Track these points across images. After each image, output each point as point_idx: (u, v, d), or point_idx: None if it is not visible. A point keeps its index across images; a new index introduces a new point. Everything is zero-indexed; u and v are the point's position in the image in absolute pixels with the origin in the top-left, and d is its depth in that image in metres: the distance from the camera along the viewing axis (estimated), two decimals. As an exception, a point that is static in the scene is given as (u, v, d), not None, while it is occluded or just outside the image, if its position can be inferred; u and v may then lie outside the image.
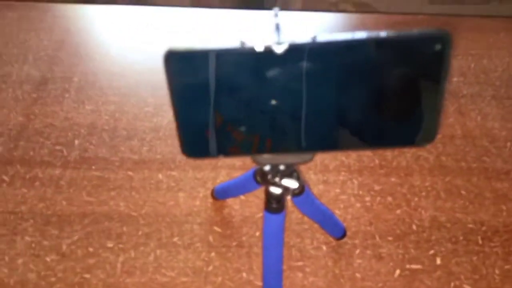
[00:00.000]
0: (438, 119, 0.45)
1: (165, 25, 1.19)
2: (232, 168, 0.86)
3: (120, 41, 1.15)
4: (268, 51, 0.39)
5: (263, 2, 1.52)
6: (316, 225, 0.77)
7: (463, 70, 1.08)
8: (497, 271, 0.73)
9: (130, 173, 0.86)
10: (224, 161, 0.86)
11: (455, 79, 1.05)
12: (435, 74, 0.42)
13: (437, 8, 1.50)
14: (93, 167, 0.87)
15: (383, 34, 0.40)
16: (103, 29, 1.20)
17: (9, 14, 1.22)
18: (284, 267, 0.72)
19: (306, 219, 0.78)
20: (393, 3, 1.50)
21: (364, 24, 1.20)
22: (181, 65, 0.41)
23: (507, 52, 1.12)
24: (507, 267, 0.73)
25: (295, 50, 0.40)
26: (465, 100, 1.01)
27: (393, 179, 0.85)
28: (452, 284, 0.72)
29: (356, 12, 1.42)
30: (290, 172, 0.56)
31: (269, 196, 0.57)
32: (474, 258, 0.75)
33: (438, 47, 0.40)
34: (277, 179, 0.55)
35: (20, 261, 0.73)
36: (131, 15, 1.24)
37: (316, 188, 0.84)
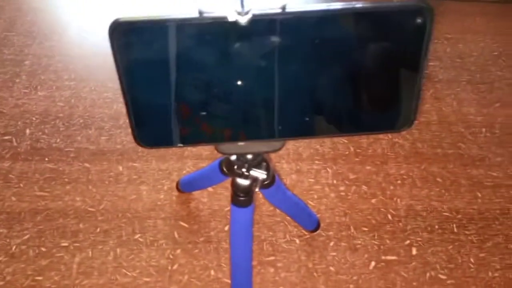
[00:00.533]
0: (418, 102, 0.40)
1: (128, 5, 1.11)
2: (199, 158, 0.81)
3: (79, 21, 1.06)
4: (231, 22, 0.34)
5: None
6: (288, 218, 0.72)
7: (439, 54, 1.06)
8: (472, 260, 0.71)
9: (87, 165, 0.79)
10: (190, 151, 0.81)
11: (431, 63, 1.03)
12: (415, 51, 0.37)
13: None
14: (46, 158, 0.79)
15: (360, 5, 0.35)
16: (59, 8, 1.11)
17: (-47, -9, 1.11)
18: (255, 262, 0.68)
19: (278, 211, 0.74)
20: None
21: None
22: (130, 38, 0.35)
23: (482, 36, 1.11)
24: (482, 255, 0.72)
25: (261, 21, 0.34)
26: (441, 85, 0.98)
27: (368, 167, 0.82)
28: (428, 274, 0.69)
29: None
30: (259, 162, 0.51)
31: (236, 188, 0.52)
32: (450, 247, 0.73)
33: (419, 20, 0.35)
34: (244, 170, 0.50)
35: (-37, 263, 0.66)
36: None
37: (289, 178, 0.79)
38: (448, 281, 0.68)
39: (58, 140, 0.82)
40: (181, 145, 0.41)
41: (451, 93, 0.97)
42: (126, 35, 0.35)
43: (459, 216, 0.77)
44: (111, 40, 0.35)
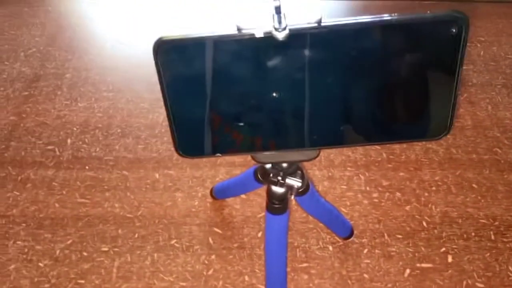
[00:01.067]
0: (454, 110, 0.40)
1: (162, 18, 1.15)
2: (232, 165, 0.82)
3: (115, 35, 1.11)
4: (268, 38, 0.35)
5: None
6: (321, 224, 0.73)
7: (472, 58, 1.04)
8: (510, 268, 0.69)
9: (125, 172, 0.82)
10: (223, 158, 0.83)
11: (464, 67, 1.01)
12: (450, 60, 0.37)
13: (442, -6, 1.44)
14: (87, 167, 0.83)
15: (393, 17, 0.35)
16: (97, 23, 1.16)
17: (0, 10, 1.18)
18: (289, 269, 0.68)
19: (311, 218, 0.74)
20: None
21: (369, 10, 1.15)
22: (172, 55, 0.37)
23: (517, 38, 1.08)
24: (522, 263, 0.70)
25: (297, 36, 0.35)
26: (475, 89, 0.97)
27: (401, 174, 0.81)
28: (465, 282, 0.68)
29: None
30: (294, 170, 0.52)
31: (271, 196, 0.53)
32: (487, 254, 0.71)
33: (453, 31, 0.36)
34: (279, 178, 0.51)
35: (12, 267, 0.70)
36: (126, 8, 1.19)
37: (321, 185, 0.80)
38: (487, 290, 0.67)
39: (97, 149, 0.86)
40: (219, 155, 0.43)
41: (485, 97, 0.95)
42: (169, 52, 0.37)
43: (496, 223, 0.75)
44: (155, 57, 0.37)
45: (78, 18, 1.17)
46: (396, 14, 0.35)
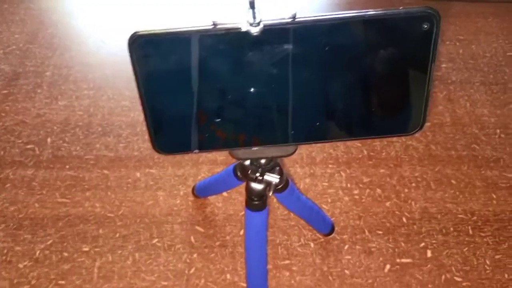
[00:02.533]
0: (427, 105, 0.41)
1: (143, 14, 1.14)
2: (214, 163, 0.82)
3: (97, 32, 1.09)
4: (243, 33, 0.35)
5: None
6: (303, 221, 0.73)
7: (452, 56, 1.05)
8: (488, 262, 0.71)
9: (105, 171, 0.81)
10: (205, 156, 0.83)
11: (443, 65, 1.03)
12: (423, 55, 0.38)
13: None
14: (67, 166, 0.82)
15: (368, 12, 0.36)
16: (79, 20, 1.14)
17: (-23, 7, 1.16)
18: (270, 266, 0.69)
19: (292, 215, 0.75)
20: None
21: (348, 3, 1.16)
22: (147, 49, 0.37)
23: (495, 37, 1.10)
24: (497, 256, 0.71)
25: (272, 31, 0.36)
26: (454, 87, 0.98)
27: (382, 170, 0.82)
28: (443, 276, 0.69)
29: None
30: (272, 167, 0.52)
31: (250, 192, 0.53)
32: (465, 249, 0.72)
33: (425, 26, 0.36)
34: (258, 174, 0.51)
35: (-10, 268, 0.69)
36: (109, 5, 1.18)
37: (303, 182, 0.80)
38: (464, 283, 0.68)
39: (78, 148, 0.85)
40: (197, 151, 0.43)
41: (464, 95, 0.97)
42: (144, 46, 0.37)
43: (474, 218, 0.76)
44: (130, 51, 0.37)
45: (59, 15, 1.15)
46: (369, 10, 0.36)
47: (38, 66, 1.01)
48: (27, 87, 0.96)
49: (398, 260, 0.71)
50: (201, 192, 0.75)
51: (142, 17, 1.14)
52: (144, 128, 0.90)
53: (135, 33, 0.36)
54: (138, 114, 0.91)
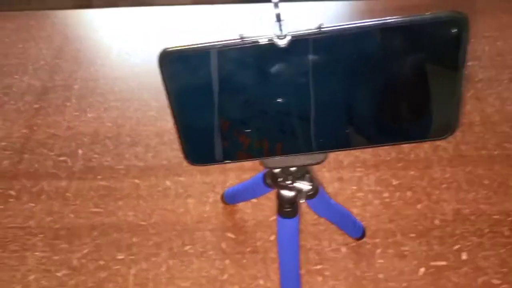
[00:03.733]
0: (458, 108, 0.41)
1: (167, 25, 1.16)
2: (241, 170, 0.83)
3: (121, 44, 1.12)
4: (270, 45, 0.36)
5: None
6: (333, 226, 0.73)
7: (478, 53, 1.03)
8: (526, 263, 0.69)
9: (136, 181, 0.83)
10: (232, 164, 0.83)
11: (469, 63, 1.01)
12: (452, 60, 0.38)
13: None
14: (99, 176, 0.84)
15: (394, 19, 0.36)
16: (102, 34, 1.17)
17: (7, 25, 1.20)
18: (303, 271, 0.69)
19: (322, 219, 0.75)
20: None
21: (370, 10, 1.15)
22: (177, 65, 0.37)
23: (522, 31, 1.07)
24: (537, 258, 0.69)
25: (299, 42, 0.36)
26: (481, 85, 0.96)
27: (411, 172, 0.81)
28: (480, 279, 0.68)
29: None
30: (303, 174, 0.52)
31: (281, 200, 0.54)
32: (502, 250, 0.71)
33: (454, 30, 0.36)
34: (288, 182, 0.52)
35: (32, 277, 0.71)
36: (131, 17, 1.21)
37: (331, 187, 0.80)
38: (502, 286, 0.67)
39: (108, 159, 0.87)
40: (228, 161, 0.44)
41: (493, 93, 0.95)
42: (174, 62, 0.38)
43: (510, 218, 0.74)
44: (160, 68, 0.38)
45: (83, 29, 1.19)
46: (395, 16, 0.36)
47: (66, 80, 1.04)
48: (56, 101, 0.99)
49: (432, 263, 0.70)
50: (230, 199, 0.76)
51: (163, 28, 1.16)
52: (171, 137, 0.92)
53: (165, 49, 0.37)
54: (165, 124, 0.92)
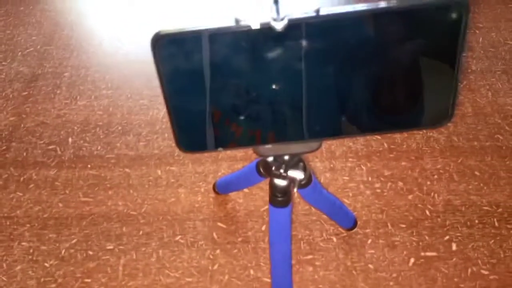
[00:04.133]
0: (455, 97, 0.40)
1: (159, 12, 1.14)
2: (233, 159, 0.82)
3: (113, 32, 1.10)
4: (267, 28, 0.35)
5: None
6: (325, 216, 0.73)
7: (471, 44, 1.03)
8: (515, 254, 0.69)
9: (127, 170, 0.82)
10: (225, 153, 0.83)
11: (463, 54, 1.00)
12: (451, 46, 0.37)
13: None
14: (89, 165, 0.83)
15: (392, 4, 0.35)
16: (94, 20, 1.15)
17: (-6, 10, 1.17)
18: (293, 261, 0.68)
19: (314, 209, 0.74)
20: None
21: None
22: (170, 49, 0.36)
23: (516, 23, 1.07)
24: (526, 249, 0.70)
25: (296, 26, 0.35)
26: (474, 76, 0.96)
27: (403, 163, 0.81)
28: (469, 270, 0.68)
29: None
30: (296, 162, 0.52)
31: (274, 188, 0.53)
32: (491, 241, 0.71)
33: (454, 15, 0.35)
34: (282, 171, 0.51)
35: (18, 267, 0.70)
36: (123, 4, 1.19)
37: (323, 177, 0.80)
38: (491, 277, 0.67)
39: (99, 148, 0.86)
40: (221, 149, 0.43)
41: (485, 84, 0.95)
42: (167, 46, 0.37)
43: (500, 209, 0.75)
44: (153, 51, 0.37)
45: (75, 16, 1.16)
46: (395, 0, 0.35)
47: (56, 67, 1.02)
48: (46, 88, 0.98)
49: (422, 254, 0.70)
50: (222, 188, 0.76)
51: (157, 16, 1.14)
52: (163, 126, 0.91)
53: (158, 33, 0.36)
54: (156, 113, 0.91)
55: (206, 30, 0.36)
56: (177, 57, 0.37)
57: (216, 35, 0.36)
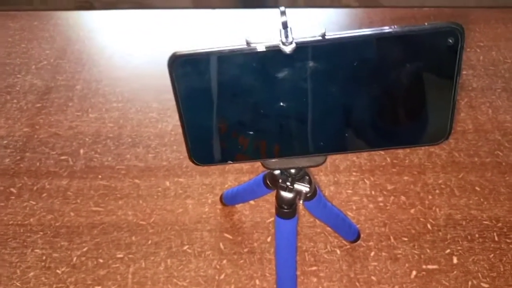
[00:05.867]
0: (453, 114, 0.43)
1: (168, 28, 1.18)
2: (240, 172, 0.85)
3: (123, 47, 1.14)
4: (276, 51, 0.38)
5: (264, 1, 1.51)
6: (329, 228, 0.75)
7: (472, 63, 1.06)
8: (515, 268, 0.71)
9: (136, 181, 0.85)
10: (232, 166, 0.85)
11: (464, 72, 1.03)
12: (448, 69, 0.40)
13: (441, 0, 1.47)
14: (100, 176, 0.86)
15: (394, 29, 0.38)
16: (105, 35, 1.19)
17: (11, 25, 1.21)
18: (298, 272, 0.70)
19: (318, 222, 0.76)
20: (396, -4, 1.47)
21: (370, 19, 1.18)
22: (186, 68, 0.39)
23: (516, 42, 1.10)
24: (525, 263, 0.71)
25: (303, 49, 0.38)
26: (475, 94, 0.99)
27: (406, 178, 0.83)
28: (470, 283, 0.70)
29: (359, 6, 1.40)
30: (302, 176, 0.54)
31: (280, 201, 0.56)
32: (491, 255, 0.73)
33: (451, 40, 0.38)
34: (288, 183, 0.54)
35: (31, 274, 0.72)
36: (132, 20, 1.23)
37: (327, 190, 0.82)
38: (491, 290, 0.69)
39: (109, 159, 0.88)
40: (230, 162, 0.46)
41: (486, 101, 0.97)
42: (183, 66, 0.40)
43: (499, 224, 0.77)
44: (170, 71, 0.40)
45: (86, 31, 1.20)
46: (396, 26, 0.38)
47: (68, 80, 1.05)
48: (59, 101, 1.01)
49: (424, 267, 0.72)
50: (229, 200, 0.78)
51: (165, 32, 1.18)
52: (172, 138, 0.94)
53: (174, 53, 0.39)
54: (165, 126, 0.94)
55: (219, 51, 0.39)
56: (191, 76, 0.40)
57: (228, 56, 0.39)
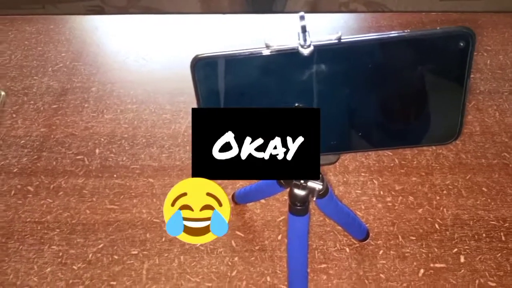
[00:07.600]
0: (462, 116, 0.45)
1: (179, 33, 1.21)
2: (251, 172, 0.87)
3: (138, 50, 1.17)
4: (294, 54, 0.40)
5: (271, 6, 1.53)
6: (338, 227, 0.77)
7: (480, 66, 1.07)
8: (522, 268, 0.72)
9: (151, 180, 0.87)
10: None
11: (472, 75, 1.04)
12: (458, 72, 0.42)
13: (449, 4, 1.49)
14: (115, 175, 0.88)
15: (408, 33, 0.40)
16: (119, 39, 1.22)
17: (27, 28, 1.24)
18: (308, 270, 0.72)
19: (327, 221, 0.78)
20: (404, 1, 1.49)
21: (378, 23, 1.20)
22: (207, 70, 0.42)
23: (523, 46, 1.11)
24: (532, 263, 0.73)
25: (320, 52, 0.40)
26: (482, 97, 1.00)
27: (413, 179, 0.85)
28: (477, 281, 0.71)
29: (367, 11, 1.42)
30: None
31: (293, 198, 0.58)
32: (498, 255, 0.74)
33: (462, 44, 0.40)
34: (302, 181, 0.55)
35: (48, 269, 0.75)
36: (145, 24, 1.26)
37: (337, 190, 0.84)
38: (498, 288, 0.70)
39: (124, 158, 0.91)
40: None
41: (493, 104, 0.98)
42: (204, 68, 0.42)
43: (506, 224, 0.78)
44: (192, 72, 0.42)
45: (101, 34, 1.23)
46: (408, 30, 0.40)
47: (84, 82, 1.08)
48: (75, 102, 1.03)
49: (431, 265, 0.73)
50: (240, 199, 0.80)
51: (177, 36, 1.21)
52: (185, 139, 0.96)
53: (196, 56, 0.41)
54: (178, 127, 0.97)
55: (240, 53, 0.41)
56: (212, 77, 0.43)
57: (248, 59, 0.41)
